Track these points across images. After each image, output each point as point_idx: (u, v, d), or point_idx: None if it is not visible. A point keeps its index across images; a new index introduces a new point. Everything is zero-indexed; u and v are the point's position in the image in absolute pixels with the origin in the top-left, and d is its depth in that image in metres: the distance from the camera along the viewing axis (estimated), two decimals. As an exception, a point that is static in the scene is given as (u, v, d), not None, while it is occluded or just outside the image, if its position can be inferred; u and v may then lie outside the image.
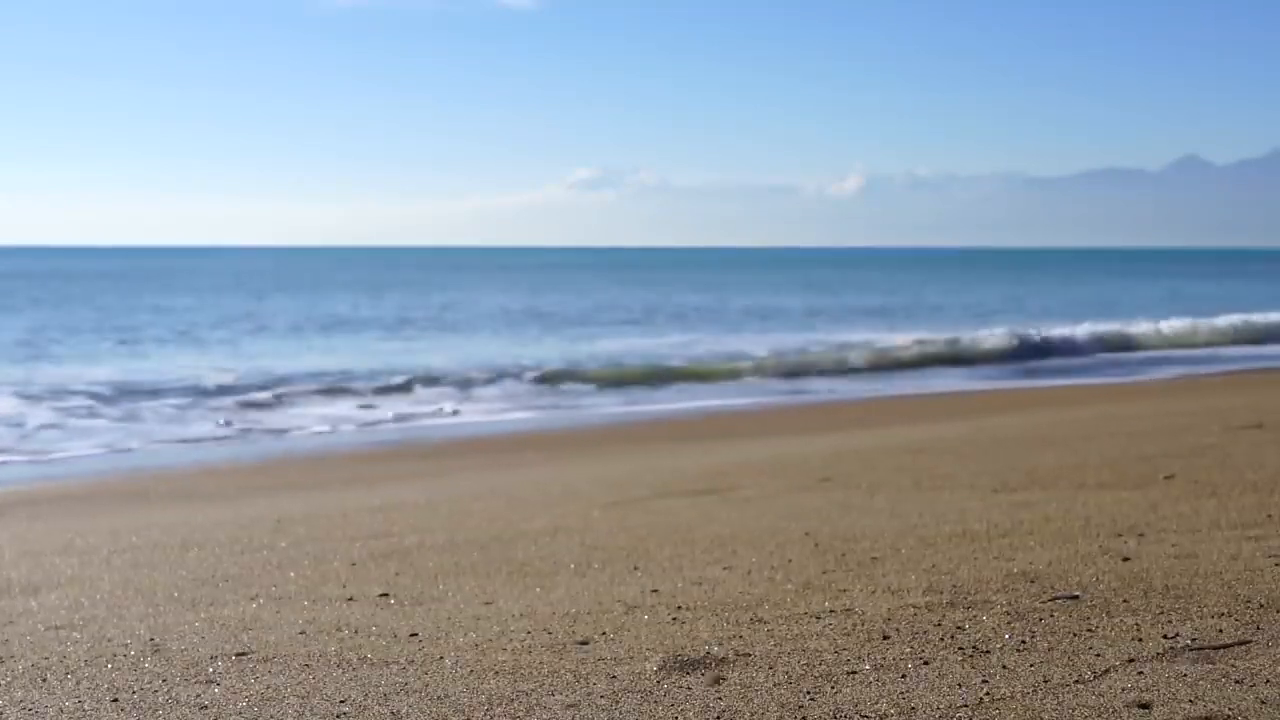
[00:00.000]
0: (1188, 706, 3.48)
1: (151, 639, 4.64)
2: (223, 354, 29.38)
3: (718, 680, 3.87)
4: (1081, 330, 30.91)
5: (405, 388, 21.62)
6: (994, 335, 30.24)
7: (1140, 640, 4.09)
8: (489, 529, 6.99)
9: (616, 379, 23.29)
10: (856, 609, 4.65)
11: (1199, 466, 7.82)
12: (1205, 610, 4.38)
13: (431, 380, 22.48)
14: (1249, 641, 4.01)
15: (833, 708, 3.60)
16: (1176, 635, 4.12)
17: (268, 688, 3.97)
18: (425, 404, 19.81)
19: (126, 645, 4.56)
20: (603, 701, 3.74)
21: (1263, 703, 3.48)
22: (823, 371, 24.89)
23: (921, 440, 11.02)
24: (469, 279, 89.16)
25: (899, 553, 5.68)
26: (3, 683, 4.13)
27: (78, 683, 4.10)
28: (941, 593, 4.81)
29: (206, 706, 3.81)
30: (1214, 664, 3.82)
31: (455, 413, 18.79)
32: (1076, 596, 4.65)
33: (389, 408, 19.19)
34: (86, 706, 3.86)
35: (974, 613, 4.50)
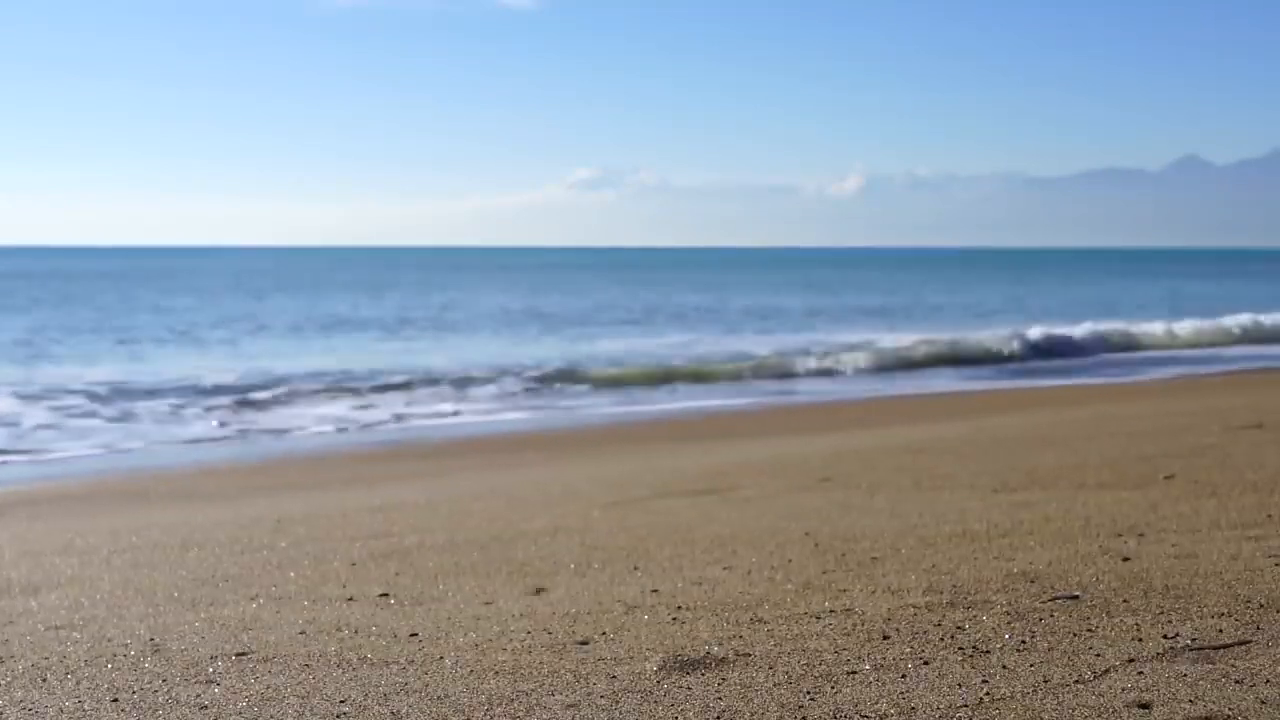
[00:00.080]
0: (1188, 706, 3.48)
1: (151, 639, 4.64)
2: (222, 354, 29.38)
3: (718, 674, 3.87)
4: (1081, 330, 30.90)
5: (405, 388, 21.61)
6: (994, 335, 30.22)
7: (1140, 640, 4.09)
8: (489, 529, 6.99)
9: (616, 379, 23.28)
10: (856, 609, 4.65)
11: (1199, 466, 7.82)
12: (1205, 610, 4.38)
13: (431, 380, 22.47)
14: (1249, 641, 4.01)
15: (833, 708, 3.60)
16: (1176, 635, 4.12)
17: (268, 688, 3.97)
18: (425, 404, 19.80)
19: (126, 645, 4.56)
20: (603, 701, 3.74)
21: (1263, 703, 3.48)
22: (822, 371, 24.89)
23: (921, 440, 11.02)
24: (469, 279, 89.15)
25: (899, 553, 5.68)
26: (3, 683, 4.13)
27: (78, 683, 4.11)
28: (941, 593, 4.81)
29: (206, 706, 3.81)
30: (1214, 664, 3.82)
31: (455, 413, 18.78)
32: (1076, 596, 4.65)
33: (389, 408, 19.19)
34: (86, 706, 3.86)
35: (974, 613, 4.50)
